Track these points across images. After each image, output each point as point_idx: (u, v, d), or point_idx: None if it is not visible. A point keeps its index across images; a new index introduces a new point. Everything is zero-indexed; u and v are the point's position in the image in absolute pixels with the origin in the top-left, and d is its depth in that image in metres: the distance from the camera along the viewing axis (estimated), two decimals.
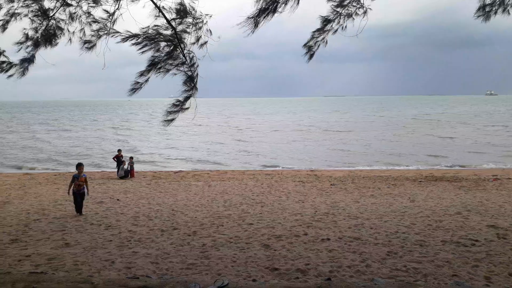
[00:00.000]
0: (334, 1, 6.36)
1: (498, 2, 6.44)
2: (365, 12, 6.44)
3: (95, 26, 5.96)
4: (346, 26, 6.46)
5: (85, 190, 10.85)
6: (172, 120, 6.18)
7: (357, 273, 6.39)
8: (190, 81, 6.01)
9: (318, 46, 6.73)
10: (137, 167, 20.32)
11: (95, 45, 6.15)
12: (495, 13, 6.56)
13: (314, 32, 6.62)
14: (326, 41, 6.69)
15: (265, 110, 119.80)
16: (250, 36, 5.59)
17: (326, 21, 6.49)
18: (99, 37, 5.90)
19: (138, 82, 5.90)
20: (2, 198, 13.44)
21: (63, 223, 9.91)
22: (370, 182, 16.51)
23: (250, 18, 5.47)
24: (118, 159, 19.11)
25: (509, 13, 6.54)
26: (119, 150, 19.63)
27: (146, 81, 5.92)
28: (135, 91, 5.91)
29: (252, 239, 8.42)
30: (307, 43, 6.68)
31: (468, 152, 30.42)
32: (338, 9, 6.42)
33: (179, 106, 6.09)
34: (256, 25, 5.55)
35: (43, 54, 6.36)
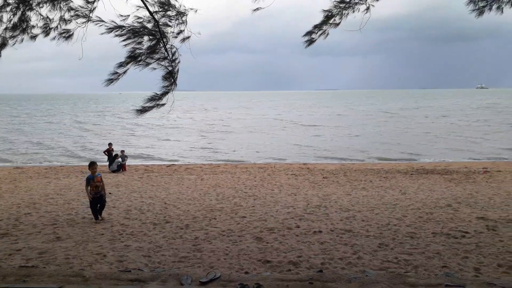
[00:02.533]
0: None
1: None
2: (367, 8, 6.45)
3: (73, 13, 5.84)
4: (347, 18, 6.44)
5: (103, 192, 9.56)
6: (145, 111, 6.10)
7: (348, 265, 6.44)
8: (170, 76, 5.94)
9: (319, 35, 6.68)
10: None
11: (72, 34, 6.03)
12: (490, 9, 6.57)
13: (316, 26, 6.57)
14: (328, 33, 6.67)
15: (250, 104, 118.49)
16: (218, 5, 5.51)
17: (328, 15, 6.46)
18: (80, 24, 5.78)
19: (116, 73, 5.80)
20: None
21: (54, 217, 9.84)
22: (362, 175, 16.60)
23: None
24: (109, 153, 18.99)
25: (502, 12, 6.55)
26: (109, 144, 19.50)
27: (124, 72, 5.81)
28: (112, 82, 5.79)
29: (244, 232, 8.43)
30: (307, 33, 6.62)
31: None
32: (341, 5, 6.41)
33: (156, 101, 6.02)
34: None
35: (40, 45, 6.26)
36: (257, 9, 5.96)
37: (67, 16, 6.05)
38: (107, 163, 18.72)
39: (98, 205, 9.43)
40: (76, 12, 5.98)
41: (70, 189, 13.81)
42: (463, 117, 57.70)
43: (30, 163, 24.00)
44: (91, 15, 5.94)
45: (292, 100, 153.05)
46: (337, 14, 6.41)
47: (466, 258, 6.74)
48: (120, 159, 18.58)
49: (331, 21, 6.33)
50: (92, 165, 9.66)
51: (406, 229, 8.52)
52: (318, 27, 6.41)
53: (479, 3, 6.50)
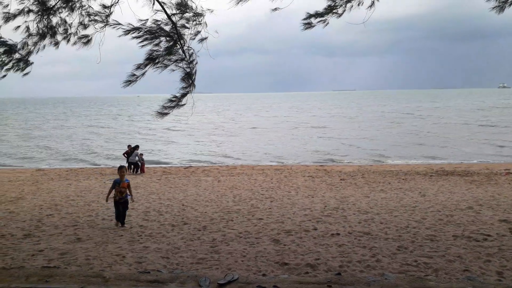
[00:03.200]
0: None
1: None
2: (372, 3, 6.36)
3: (92, 18, 5.96)
4: (351, 11, 6.34)
5: (128, 197, 9.31)
6: (166, 114, 6.17)
7: (367, 268, 6.36)
8: (188, 78, 5.99)
9: (318, 22, 6.55)
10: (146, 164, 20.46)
11: (91, 39, 6.14)
12: (510, 5, 6.42)
13: (318, 12, 6.46)
14: (328, 22, 6.56)
15: (259, 106, 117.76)
16: (234, 7, 5.55)
17: (331, 6, 6.37)
18: (98, 28, 5.89)
19: (134, 75, 5.87)
20: (16, 193, 13.64)
21: (75, 218, 10.03)
22: (381, 177, 16.41)
23: None
24: (129, 154, 19.29)
25: None
26: (129, 146, 19.81)
27: (143, 74, 5.88)
28: (130, 83, 5.88)
29: (261, 234, 8.43)
30: (309, 15, 6.52)
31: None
32: None
33: (176, 102, 6.07)
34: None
35: (55, 51, 6.41)
36: (276, 9, 5.96)
37: (86, 21, 6.18)
38: (127, 165, 19.02)
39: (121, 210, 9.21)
40: (94, 17, 6.10)
41: (90, 191, 14.06)
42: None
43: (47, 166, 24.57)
44: (108, 19, 6.04)
45: (306, 102, 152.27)
46: (340, 5, 6.31)
47: (489, 261, 6.59)
48: (138, 151, 18.99)
49: (331, 13, 6.24)
50: (121, 168, 9.34)
51: (425, 231, 8.39)
52: (319, 15, 6.31)
53: None
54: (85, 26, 6.27)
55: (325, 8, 6.40)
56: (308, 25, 6.51)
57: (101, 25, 6.11)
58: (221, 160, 26.10)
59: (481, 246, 7.38)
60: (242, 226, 9.03)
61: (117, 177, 9.25)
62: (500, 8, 6.42)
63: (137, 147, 19.44)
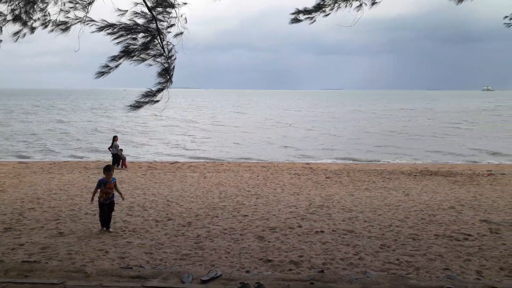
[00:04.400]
0: None
1: None
2: (360, 5, 6.41)
3: (69, 5, 5.82)
4: (337, 11, 6.38)
5: (115, 198, 8.52)
6: (138, 107, 6.09)
7: (350, 266, 6.42)
8: (166, 73, 5.93)
9: (306, 18, 6.59)
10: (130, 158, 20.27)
11: (69, 27, 6.00)
12: None
13: (306, 9, 6.49)
14: (315, 20, 6.61)
15: (245, 103, 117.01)
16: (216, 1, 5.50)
17: (320, 5, 6.41)
18: (74, 20, 5.75)
19: (107, 66, 5.77)
20: None
21: (58, 212, 9.89)
22: (365, 176, 16.56)
23: None
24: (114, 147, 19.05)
25: None
26: (114, 137, 19.41)
27: (116, 66, 5.78)
28: (103, 75, 5.77)
29: (246, 230, 8.44)
30: (298, 11, 6.55)
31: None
32: None
33: (150, 97, 6.00)
34: None
35: (45, 40, 6.27)
36: None
37: (65, 7, 6.01)
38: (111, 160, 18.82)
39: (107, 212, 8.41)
40: (75, 5, 5.94)
41: (73, 184, 13.88)
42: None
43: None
44: (89, 8, 5.90)
45: (291, 100, 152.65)
46: (328, 5, 6.35)
47: (469, 260, 6.71)
48: (118, 143, 18.73)
49: (320, 11, 6.29)
50: (108, 170, 8.43)
51: (408, 230, 8.50)
52: (307, 12, 6.35)
53: None
54: (65, 13, 6.10)
55: (314, 6, 6.43)
56: (295, 20, 6.56)
57: (82, 13, 5.95)
58: (183, 153, 26.10)
59: (461, 246, 7.51)
60: (227, 223, 9.02)
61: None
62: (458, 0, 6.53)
63: (115, 137, 19.07)
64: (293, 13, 6.50)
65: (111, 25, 5.72)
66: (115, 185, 8.50)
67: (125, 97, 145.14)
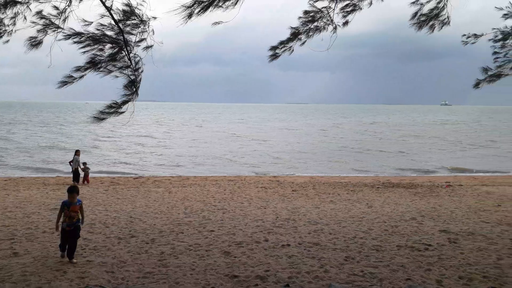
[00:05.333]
0: (306, 17, 6.53)
1: (433, 15, 6.83)
2: (334, 28, 6.64)
3: (42, 22, 5.69)
4: (313, 37, 6.65)
5: (79, 223, 7.40)
6: (101, 119, 5.98)
7: (315, 279, 6.45)
8: (132, 86, 5.86)
9: (284, 50, 6.86)
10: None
11: (41, 42, 5.86)
12: (427, 24, 6.96)
13: (282, 42, 6.75)
14: (293, 49, 6.85)
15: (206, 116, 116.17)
16: (182, 26, 5.55)
17: (295, 33, 6.64)
18: (46, 33, 5.63)
19: (71, 76, 5.64)
20: None
21: (12, 231, 9.38)
22: (330, 188, 16.81)
23: (185, 7, 5.41)
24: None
25: (433, 31, 6.96)
26: (76, 151, 18.73)
27: (81, 77, 5.68)
28: (65, 84, 5.63)
29: (212, 246, 8.31)
30: (273, 48, 6.79)
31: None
32: (308, 24, 6.59)
33: (115, 109, 5.90)
34: (190, 16, 5.50)
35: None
36: (218, 23, 6.04)
37: (35, 26, 5.88)
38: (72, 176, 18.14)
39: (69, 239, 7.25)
40: (46, 21, 5.81)
41: (31, 202, 13.25)
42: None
43: None
44: (63, 23, 5.79)
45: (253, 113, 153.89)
46: (304, 32, 6.57)
47: (429, 270, 6.90)
48: (80, 158, 17.97)
49: (296, 40, 6.50)
50: (72, 191, 7.36)
51: (372, 242, 8.65)
52: (284, 43, 6.55)
53: (421, 17, 6.89)
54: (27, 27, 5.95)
55: (289, 37, 6.63)
56: (274, 56, 6.77)
57: (53, 28, 5.82)
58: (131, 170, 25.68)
59: (422, 256, 7.71)
60: (192, 239, 8.86)
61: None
62: (419, 26, 6.96)
63: (77, 152, 18.33)
64: (270, 49, 6.71)
65: (78, 34, 5.61)
66: (80, 208, 7.40)
67: (84, 110, 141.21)
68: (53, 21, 5.83)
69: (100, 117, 5.97)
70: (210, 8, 5.45)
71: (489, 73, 7.64)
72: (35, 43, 6.00)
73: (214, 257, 7.57)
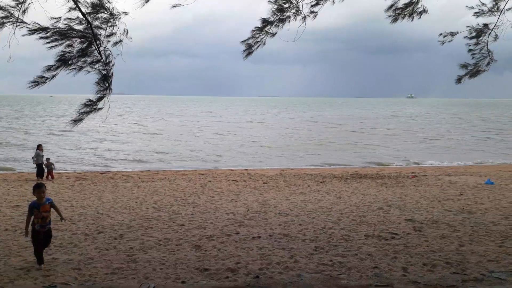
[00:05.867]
0: (275, 4, 6.57)
1: (408, 8, 7.03)
2: (303, 18, 6.68)
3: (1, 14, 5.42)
4: (283, 28, 6.71)
5: (51, 225, 6.85)
6: (80, 120, 5.84)
7: (285, 270, 6.51)
8: (105, 81, 5.71)
9: (258, 46, 6.90)
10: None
11: None
12: (403, 17, 7.18)
13: (254, 30, 6.76)
14: (265, 42, 6.89)
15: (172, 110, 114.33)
16: (139, 9, 5.47)
17: (265, 22, 6.66)
18: (2, 24, 5.36)
19: (43, 77, 5.46)
20: None
21: None
22: (300, 180, 17.01)
23: None
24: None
25: (412, 19, 7.20)
26: (39, 146, 18.10)
27: (53, 76, 5.50)
28: (38, 85, 5.45)
29: (182, 240, 8.25)
30: (246, 40, 6.79)
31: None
32: (278, 13, 6.63)
33: (91, 107, 5.76)
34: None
35: None
36: (176, 5, 5.98)
37: None
38: (35, 169, 17.54)
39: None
40: (4, 12, 5.54)
41: None
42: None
43: None
44: (23, 16, 5.52)
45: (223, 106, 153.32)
46: (275, 22, 6.60)
47: (395, 258, 7.11)
48: (42, 152, 17.45)
49: (267, 29, 6.53)
50: (39, 188, 6.70)
51: (340, 232, 8.82)
52: (256, 32, 6.55)
53: (397, 10, 7.09)
54: None
55: (261, 26, 6.63)
56: (248, 52, 6.81)
57: (9, 20, 5.55)
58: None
59: (389, 244, 7.93)
60: (162, 233, 8.76)
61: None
62: (394, 19, 7.15)
63: (39, 146, 17.78)
64: (243, 42, 6.71)
65: (44, 29, 5.37)
66: (52, 206, 6.77)
67: (46, 103, 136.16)
68: (12, 12, 5.56)
69: (78, 118, 5.81)
70: None
71: (469, 68, 7.87)
72: None
73: (185, 251, 7.52)
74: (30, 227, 6.62)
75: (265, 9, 6.71)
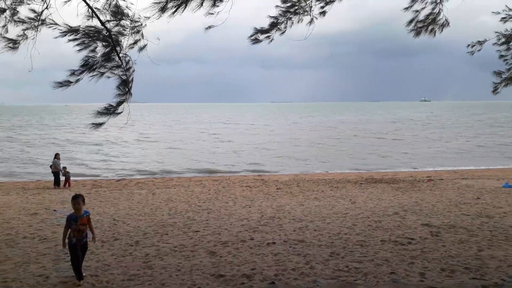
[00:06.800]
0: (283, 6, 6.60)
1: (428, 21, 6.93)
2: (311, 20, 6.70)
3: (22, 26, 5.59)
4: (291, 27, 6.71)
5: (87, 238, 6.52)
6: (101, 124, 5.94)
7: (301, 276, 6.48)
8: (124, 86, 5.81)
9: (265, 38, 6.86)
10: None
11: (18, 45, 5.76)
12: (425, 30, 7.07)
13: (262, 29, 6.76)
14: (273, 38, 6.88)
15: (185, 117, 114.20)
16: (157, 20, 5.55)
17: (274, 21, 6.68)
18: (26, 37, 5.53)
19: (68, 81, 5.60)
20: None
21: None
22: (314, 185, 16.93)
23: (157, 3, 5.42)
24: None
25: (434, 35, 7.07)
26: (56, 155, 18.48)
27: (77, 81, 5.63)
28: (61, 86, 5.59)
29: (197, 246, 8.28)
30: (254, 32, 6.78)
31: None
32: (287, 14, 6.66)
33: (111, 111, 5.86)
34: (163, 10, 5.50)
35: None
36: (209, 27, 6.04)
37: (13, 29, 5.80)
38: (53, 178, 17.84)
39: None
40: (25, 25, 5.73)
41: (10, 207, 12.95)
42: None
43: None
44: (39, 25, 5.70)
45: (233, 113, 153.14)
46: (283, 22, 6.61)
47: (412, 263, 7.01)
48: (60, 161, 17.82)
49: (276, 28, 6.55)
50: (75, 199, 6.31)
51: (356, 237, 8.75)
52: (264, 31, 6.57)
53: (418, 23, 6.98)
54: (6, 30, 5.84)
55: (269, 25, 6.65)
56: (256, 40, 6.76)
57: (32, 30, 5.74)
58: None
59: (406, 249, 7.84)
60: (177, 240, 8.80)
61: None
62: (417, 33, 7.06)
63: (56, 155, 18.18)
64: (251, 35, 6.73)
65: (75, 30, 5.54)
66: (88, 220, 6.44)
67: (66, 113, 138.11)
68: (33, 24, 5.74)
69: (98, 123, 5.92)
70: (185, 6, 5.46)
71: (503, 76, 7.72)
72: (13, 45, 5.91)
73: (200, 258, 7.54)
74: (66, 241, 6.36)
75: (274, 13, 6.75)
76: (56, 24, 5.58)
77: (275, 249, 7.98)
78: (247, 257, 7.49)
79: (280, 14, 6.65)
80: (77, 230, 6.26)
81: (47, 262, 7.35)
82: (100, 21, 5.59)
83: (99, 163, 29.16)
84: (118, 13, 5.67)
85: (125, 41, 5.81)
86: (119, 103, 5.90)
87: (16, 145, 40.26)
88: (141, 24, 5.77)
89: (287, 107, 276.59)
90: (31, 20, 5.64)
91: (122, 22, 5.73)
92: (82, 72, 5.62)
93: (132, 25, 5.74)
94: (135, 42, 5.84)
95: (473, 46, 7.81)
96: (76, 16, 5.43)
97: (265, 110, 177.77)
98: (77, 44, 5.61)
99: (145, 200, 13.95)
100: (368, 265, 6.93)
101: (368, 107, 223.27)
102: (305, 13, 6.64)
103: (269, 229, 9.62)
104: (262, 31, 6.74)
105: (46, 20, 5.65)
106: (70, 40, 5.61)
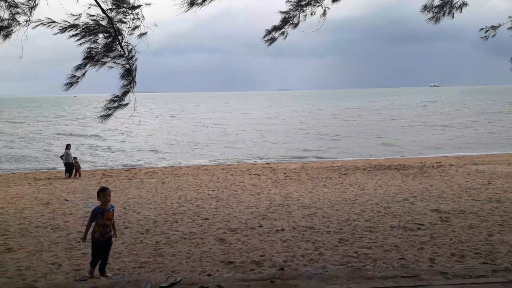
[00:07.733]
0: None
1: (446, 3, 6.73)
2: (324, 12, 6.59)
3: (13, 10, 5.53)
4: (306, 20, 6.60)
5: (111, 233, 6.21)
6: (109, 116, 5.94)
7: (310, 262, 6.51)
8: (128, 75, 5.79)
9: (279, 35, 6.78)
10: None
11: (11, 32, 5.70)
12: (443, 15, 6.88)
13: (275, 26, 6.68)
14: (287, 34, 6.80)
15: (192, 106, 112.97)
16: (184, 13, 5.47)
17: (285, 18, 6.59)
18: (18, 23, 5.48)
19: (74, 76, 5.60)
20: None
21: (5, 227, 9.32)
22: (323, 173, 16.90)
23: None
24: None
25: (453, 16, 6.88)
26: (67, 145, 18.68)
27: (83, 74, 5.63)
28: (71, 85, 5.59)
29: (207, 234, 8.35)
30: (268, 31, 6.70)
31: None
32: (297, 8, 6.56)
33: (118, 102, 5.85)
34: (191, 4, 5.44)
35: None
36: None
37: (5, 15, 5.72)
38: (64, 169, 18.07)
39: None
40: (17, 10, 5.66)
41: (23, 197, 13.15)
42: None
43: None
44: (32, 13, 5.64)
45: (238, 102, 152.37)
46: (295, 16, 6.53)
47: (422, 249, 7.00)
48: (71, 152, 18.08)
49: (289, 23, 6.46)
50: (104, 191, 6.13)
51: (365, 224, 8.74)
52: (277, 28, 6.50)
53: (434, 9, 6.78)
54: (3, 21, 5.79)
55: (281, 20, 6.57)
56: (271, 40, 6.69)
57: (25, 18, 5.68)
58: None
59: (415, 235, 7.82)
60: (187, 227, 8.88)
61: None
62: (436, 19, 6.86)
63: (68, 146, 18.42)
64: (265, 35, 6.65)
65: (74, 26, 5.51)
66: (113, 215, 6.27)
67: (74, 104, 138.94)
68: (25, 10, 5.66)
69: (106, 114, 5.92)
70: None
71: None
72: (5, 34, 5.84)
73: (209, 245, 7.60)
74: (89, 234, 6.16)
75: (281, 2, 6.64)
76: (54, 22, 5.53)
77: (284, 235, 8.02)
78: (256, 244, 7.53)
79: (291, 9, 6.54)
80: (102, 225, 5.97)
81: (60, 250, 7.48)
82: (102, 9, 5.55)
83: (108, 153, 29.43)
84: (119, 0, 5.61)
85: (126, 29, 5.77)
86: (125, 93, 5.89)
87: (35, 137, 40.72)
88: (141, 9, 5.71)
89: (297, 95, 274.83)
90: (23, 6, 5.57)
91: (122, 9, 5.68)
92: (86, 64, 5.61)
93: (131, 12, 5.68)
94: (134, 29, 5.78)
95: (487, 31, 7.65)
96: (76, 2, 5.36)
97: (276, 98, 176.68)
98: (78, 39, 5.58)
99: (155, 189, 14.06)
100: (377, 251, 6.94)
101: (375, 94, 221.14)
102: (317, 4, 6.51)
103: (278, 216, 9.65)
104: (275, 28, 6.65)
105: (33, 15, 5.58)
106: (70, 37, 5.58)
